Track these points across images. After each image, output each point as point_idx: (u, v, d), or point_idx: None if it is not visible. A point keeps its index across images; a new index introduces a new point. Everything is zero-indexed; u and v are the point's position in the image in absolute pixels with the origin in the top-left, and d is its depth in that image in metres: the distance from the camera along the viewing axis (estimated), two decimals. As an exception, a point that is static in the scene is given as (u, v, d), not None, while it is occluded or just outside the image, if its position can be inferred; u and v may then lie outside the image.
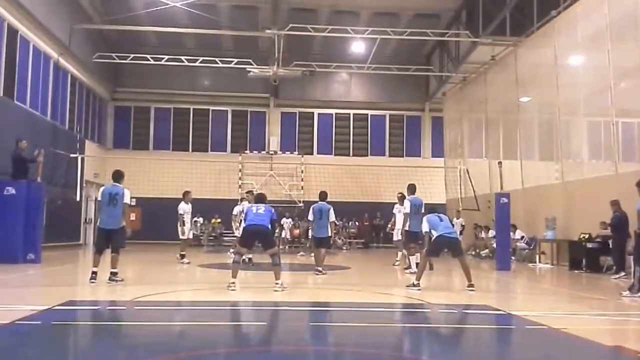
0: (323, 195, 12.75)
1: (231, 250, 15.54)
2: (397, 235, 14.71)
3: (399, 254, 14.97)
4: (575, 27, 16.33)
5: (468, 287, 9.63)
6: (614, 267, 13.05)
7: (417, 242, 12.18)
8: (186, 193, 15.66)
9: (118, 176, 10.12)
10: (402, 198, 15.30)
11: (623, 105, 14.91)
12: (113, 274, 9.83)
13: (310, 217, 12.51)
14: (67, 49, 21.63)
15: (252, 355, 5.20)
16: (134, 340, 5.63)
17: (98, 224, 10.05)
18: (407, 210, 12.59)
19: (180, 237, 15.21)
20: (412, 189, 13.07)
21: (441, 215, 10.29)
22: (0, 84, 16.77)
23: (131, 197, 10.16)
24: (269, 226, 9.27)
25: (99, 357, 4.94)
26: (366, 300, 9.09)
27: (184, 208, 15.30)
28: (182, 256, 14.85)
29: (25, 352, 5.00)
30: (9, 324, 5.95)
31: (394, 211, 15.32)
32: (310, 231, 13.04)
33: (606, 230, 13.69)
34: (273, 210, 9.53)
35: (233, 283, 8.99)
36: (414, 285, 9.71)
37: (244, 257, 10.45)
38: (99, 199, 9.98)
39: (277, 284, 9.12)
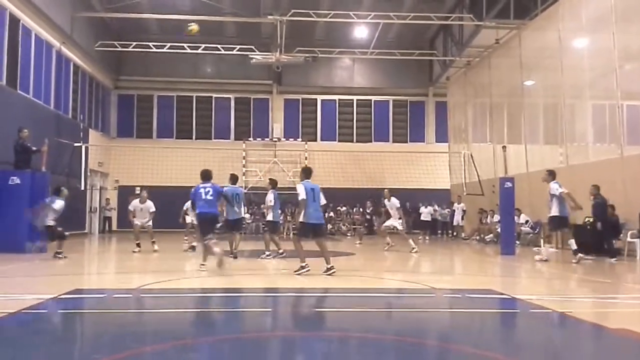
0: None
1: (185, 237, 15.64)
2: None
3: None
4: (579, 9, 16.19)
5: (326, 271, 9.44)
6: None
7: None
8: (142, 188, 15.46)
9: None
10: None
11: (628, 87, 14.82)
12: None
13: None
14: (69, 37, 21.57)
15: (256, 341, 5.22)
16: (141, 328, 5.66)
17: None
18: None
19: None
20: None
21: (315, 186, 9.51)
22: (2, 73, 16.78)
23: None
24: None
25: (106, 346, 4.97)
26: (369, 285, 9.11)
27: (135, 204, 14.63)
28: (150, 244, 14.43)
29: (32, 341, 5.03)
30: (16, 312, 5.99)
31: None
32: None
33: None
34: (219, 187, 10.28)
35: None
36: (302, 267, 9.36)
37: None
38: None
39: (202, 264, 9.87)
